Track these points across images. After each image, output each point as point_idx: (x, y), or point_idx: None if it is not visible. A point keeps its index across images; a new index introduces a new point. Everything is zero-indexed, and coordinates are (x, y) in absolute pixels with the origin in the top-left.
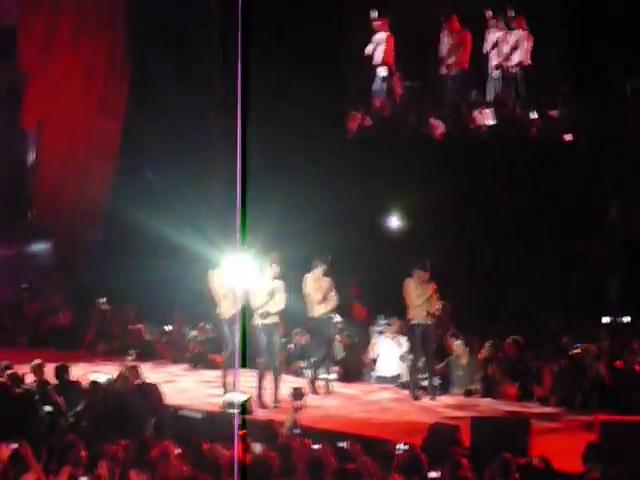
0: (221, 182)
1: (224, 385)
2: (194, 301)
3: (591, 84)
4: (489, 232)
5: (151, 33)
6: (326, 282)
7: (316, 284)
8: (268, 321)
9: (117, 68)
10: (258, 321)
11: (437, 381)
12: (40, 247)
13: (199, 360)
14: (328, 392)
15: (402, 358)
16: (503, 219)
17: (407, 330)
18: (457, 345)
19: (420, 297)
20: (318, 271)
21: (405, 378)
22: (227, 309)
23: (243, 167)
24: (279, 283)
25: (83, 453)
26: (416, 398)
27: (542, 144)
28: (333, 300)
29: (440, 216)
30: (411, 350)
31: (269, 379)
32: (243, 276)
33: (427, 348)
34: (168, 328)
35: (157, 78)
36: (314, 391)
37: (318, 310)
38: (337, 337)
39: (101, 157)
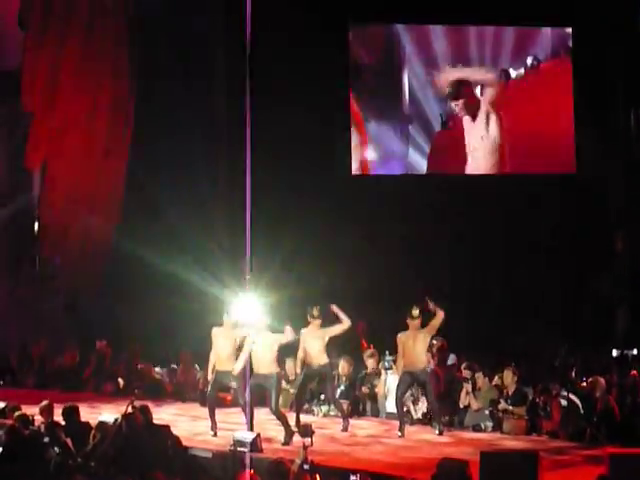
0: (228, 221)
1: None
2: (201, 339)
3: (595, 115)
4: (498, 266)
5: (156, 70)
6: (318, 337)
7: (309, 345)
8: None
9: (122, 108)
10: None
11: (445, 417)
12: (47, 287)
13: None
14: (345, 429)
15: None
16: (511, 252)
17: (401, 373)
18: (477, 375)
19: (411, 348)
20: (312, 325)
21: (414, 415)
22: (223, 365)
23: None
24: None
25: None
26: (402, 435)
27: (548, 176)
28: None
29: (448, 250)
30: (397, 388)
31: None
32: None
33: (425, 389)
34: (176, 367)
35: (162, 114)
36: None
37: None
38: (342, 373)
39: (107, 196)
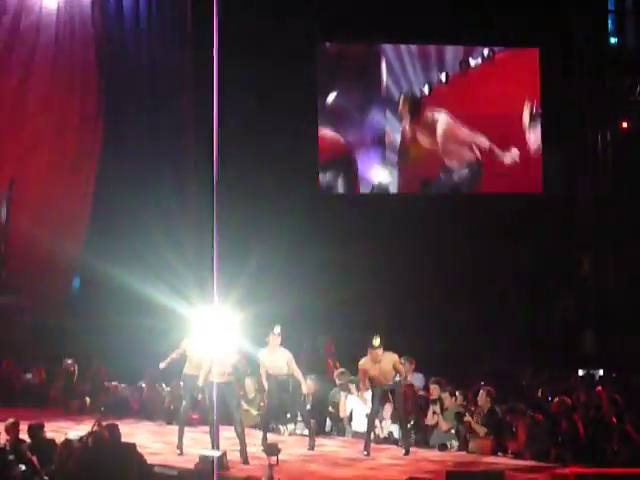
0: (195, 236)
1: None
2: (167, 357)
3: (562, 134)
4: (464, 284)
5: (125, 87)
6: (280, 355)
7: (270, 359)
8: (223, 380)
9: (90, 125)
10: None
11: (412, 436)
12: (12, 305)
13: (174, 417)
14: (312, 447)
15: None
16: (476, 273)
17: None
18: (444, 395)
19: (377, 371)
20: (271, 345)
21: (380, 433)
22: (196, 370)
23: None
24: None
25: None
26: (368, 454)
27: (514, 197)
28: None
29: (414, 268)
30: (372, 404)
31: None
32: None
33: (395, 406)
34: (142, 385)
35: (131, 131)
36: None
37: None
38: (308, 392)
39: (74, 214)
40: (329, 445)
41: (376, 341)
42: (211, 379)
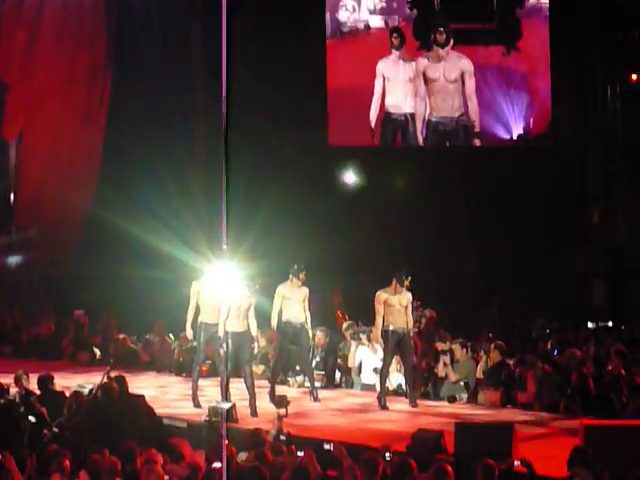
0: (206, 189)
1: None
2: (176, 309)
3: (572, 88)
4: (472, 238)
5: (133, 38)
6: (299, 292)
7: (288, 294)
8: (239, 329)
9: (99, 75)
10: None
11: (421, 388)
12: (22, 257)
13: (184, 369)
14: (316, 399)
15: (375, 370)
16: (486, 225)
17: (382, 336)
18: (455, 348)
19: (395, 306)
20: (290, 281)
21: (389, 386)
22: (211, 318)
23: (227, 174)
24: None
25: (67, 463)
26: (383, 407)
27: (525, 149)
28: (304, 310)
29: (424, 221)
30: (383, 356)
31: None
32: (228, 286)
33: (405, 356)
34: (151, 337)
35: (140, 84)
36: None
37: (287, 317)
38: (319, 344)
39: (84, 165)
40: (338, 397)
41: (406, 282)
42: (227, 328)
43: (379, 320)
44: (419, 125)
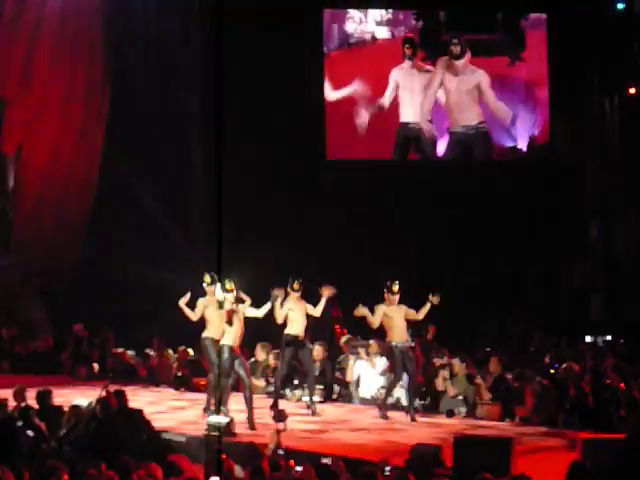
0: (199, 210)
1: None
2: (175, 324)
3: (570, 101)
4: (471, 253)
5: (131, 55)
6: (297, 305)
7: (286, 307)
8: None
9: (97, 91)
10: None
11: (418, 402)
12: (20, 271)
13: (182, 383)
14: (315, 413)
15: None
16: (485, 240)
17: (387, 351)
18: (454, 361)
19: (398, 321)
20: (290, 295)
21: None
22: (217, 333)
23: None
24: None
25: (66, 477)
26: (385, 417)
27: (523, 163)
28: (300, 323)
29: (421, 234)
30: (392, 371)
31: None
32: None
33: (408, 369)
34: (150, 352)
35: (137, 102)
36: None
37: (292, 331)
38: (317, 358)
39: (82, 180)
40: (336, 411)
41: (396, 287)
42: (229, 343)
43: (375, 320)
44: (436, 135)
